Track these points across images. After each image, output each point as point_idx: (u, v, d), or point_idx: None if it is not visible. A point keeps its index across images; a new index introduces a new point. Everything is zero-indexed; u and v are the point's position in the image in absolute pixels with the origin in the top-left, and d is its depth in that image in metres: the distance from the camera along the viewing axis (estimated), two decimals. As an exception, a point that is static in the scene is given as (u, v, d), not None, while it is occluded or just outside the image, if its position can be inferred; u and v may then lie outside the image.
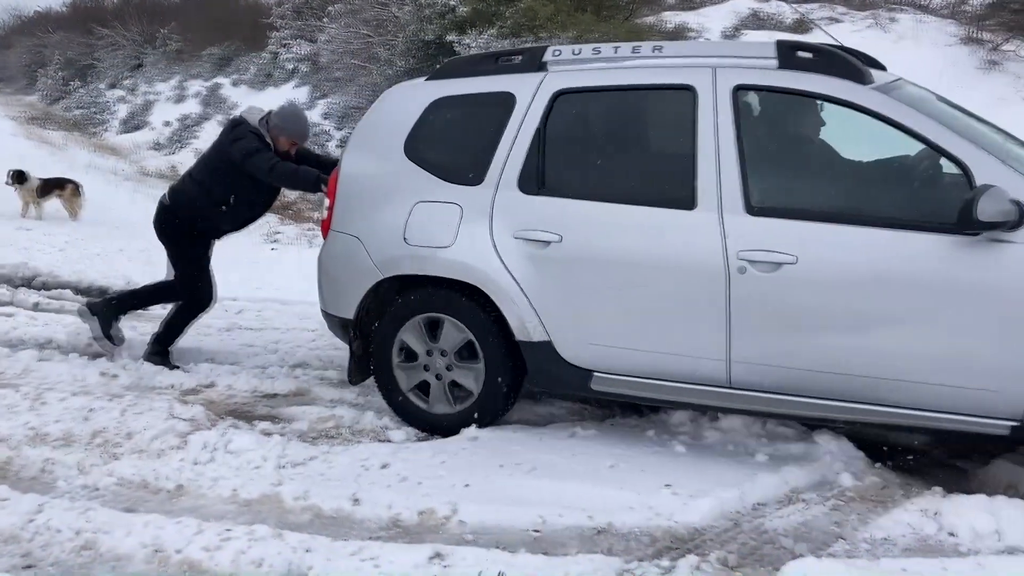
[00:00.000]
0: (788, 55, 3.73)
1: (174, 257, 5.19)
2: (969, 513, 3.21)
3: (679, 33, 13.09)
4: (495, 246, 3.96)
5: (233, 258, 5.40)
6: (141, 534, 3.17)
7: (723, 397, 3.74)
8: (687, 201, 3.70)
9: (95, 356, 5.36)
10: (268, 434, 4.11)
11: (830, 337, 3.52)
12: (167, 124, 20.43)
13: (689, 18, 13.82)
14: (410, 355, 4.21)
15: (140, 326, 6.05)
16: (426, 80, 4.39)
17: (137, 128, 21.37)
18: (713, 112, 3.71)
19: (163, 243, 5.23)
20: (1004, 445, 3.81)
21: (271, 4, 21.06)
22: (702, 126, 3.72)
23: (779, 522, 3.28)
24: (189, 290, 5.18)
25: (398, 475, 3.66)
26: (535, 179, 3.96)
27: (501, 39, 12.01)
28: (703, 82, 3.76)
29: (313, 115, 15.06)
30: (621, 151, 4.10)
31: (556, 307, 3.89)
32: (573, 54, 4.08)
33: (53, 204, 11.06)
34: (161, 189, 13.42)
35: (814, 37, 11.18)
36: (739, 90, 3.72)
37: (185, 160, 16.50)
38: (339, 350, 5.54)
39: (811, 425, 3.98)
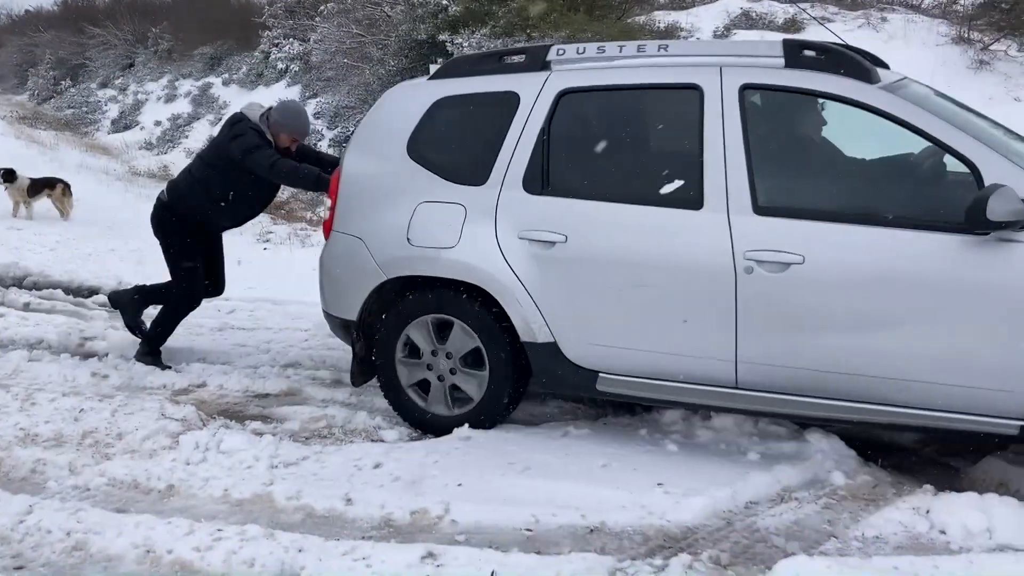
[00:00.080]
0: (795, 54, 3.71)
1: (167, 254, 5.17)
2: (960, 511, 3.22)
3: (670, 33, 13.11)
4: (499, 246, 3.93)
5: (225, 257, 5.37)
6: (132, 534, 3.16)
7: (730, 398, 3.72)
8: (694, 201, 3.69)
9: (86, 356, 5.34)
10: (260, 434, 4.10)
11: (838, 337, 3.51)
12: (158, 124, 20.38)
13: (680, 17, 13.84)
14: (414, 351, 4.18)
15: (131, 326, 6.03)
16: (428, 79, 4.36)
17: (128, 128, 21.31)
18: (720, 111, 3.69)
19: (158, 239, 5.20)
20: (996, 443, 3.83)
21: (263, 3, 21.02)
22: (709, 125, 3.71)
23: (771, 521, 3.28)
24: (180, 288, 5.17)
25: (391, 475, 3.66)
26: (540, 179, 3.94)
27: (494, 38, 12.01)
28: (710, 81, 3.74)
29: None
30: (627, 151, 4.08)
31: (561, 308, 3.87)
32: (577, 53, 4.06)
33: (43, 204, 11.01)
34: (152, 189, 13.38)
35: (809, 36, 11.19)
36: (746, 89, 3.70)
37: (176, 160, 16.47)
38: (332, 350, 5.54)
39: (803, 424, 3.99)
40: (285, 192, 9.83)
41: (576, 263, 3.84)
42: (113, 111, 22.98)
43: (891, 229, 3.46)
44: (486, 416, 4.08)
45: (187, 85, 22.19)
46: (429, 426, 4.21)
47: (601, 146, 4.04)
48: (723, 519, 3.29)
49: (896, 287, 3.43)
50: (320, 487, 3.55)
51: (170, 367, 5.13)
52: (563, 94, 3.96)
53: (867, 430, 4.01)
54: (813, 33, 12.05)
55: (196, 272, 5.17)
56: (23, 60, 31.43)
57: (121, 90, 24.40)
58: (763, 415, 3.86)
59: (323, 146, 14.16)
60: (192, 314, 5.31)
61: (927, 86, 4.12)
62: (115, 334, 5.83)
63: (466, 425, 4.09)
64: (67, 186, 10.99)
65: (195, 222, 5.11)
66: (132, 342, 5.36)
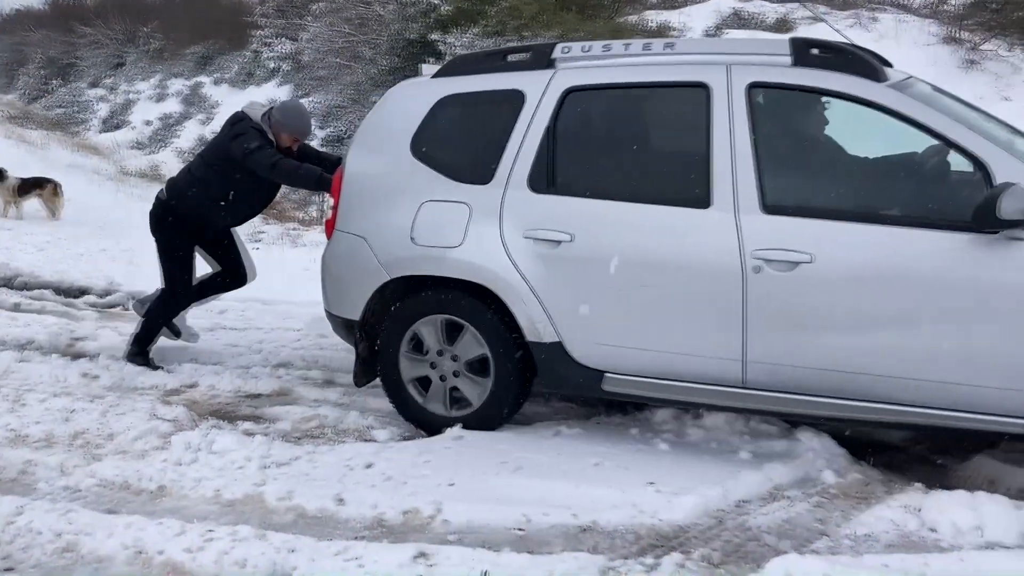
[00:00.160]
0: (802, 52, 3.71)
1: (162, 252, 5.15)
2: (950, 509, 3.23)
3: (662, 32, 13.11)
4: (505, 246, 3.92)
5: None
6: (123, 535, 3.15)
7: (738, 397, 3.71)
8: (701, 200, 3.68)
9: (76, 357, 5.32)
10: (251, 434, 4.09)
11: (847, 336, 3.50)
12: (148, 123, 20.29)
13: (672, 17, 13.83)
14: (419, 347, 4.16)
15: (121, 326, 6.01)
16: (432, 77, 4.33)
17: (118, 127, 21.21)
18: (728, 110, 3.69)
19: (155, 238, 5.18)
20: (985, 441, 3.85)
21: (253, 3, 20.95)
22: (717, 124, 3.70)
23: (762, 519, 3.29)
24: (172, 284, 5.15)
25: (383, 474, 3.65)
26: (545, 178, 3.92)
27: (485, 38, 12.00)
28: (717, 80, 3.73)
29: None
30: (634, 149, 4.06)
31: (567, 307, 3.86)
32: (583, 51, 4.04)
33: (33, 204, 10.97)
34: (142, 189, 13.34)
35: (801, 35, 11.20)
36: (754, 88, 3.70)
37: (167, 159, 16.41)
38: (323, 350, 5.54)
39: (794, 422, 4.00)
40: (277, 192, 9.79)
41: (582, 262, 3.82)
42: (103, 110, 22.87)
43: (900, 228, 3.46)
44: (482, 422, 4.07)
45: (177, 84, 22.10)
46: (423, 423, 4.20)
47: (607, 145, 4.03)
48: (714, 518, 3.30)
49: (905, 286, 3.42)
50: (312, 487, 3.55)
51: (161, 367, 5.12)
52: (569, 92, 3.94)
53: (858, 428, 4.03)
54: (807, 33, 12.08)
55: (187, 273, 5.16)
56: (12, 59, 31.25)
57: (111, 89, 24.28)
58: (770, 415, 3.85)
59: (314, 145, 14.11)
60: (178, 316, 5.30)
61: (932, 84, 4.13)
62: (105, 334, 5.82)
63: (458, 425, 4.08)
64: (57, 186, 10.95)
65: (194, 222, 5.09)
66: (123, 342, 5.35)
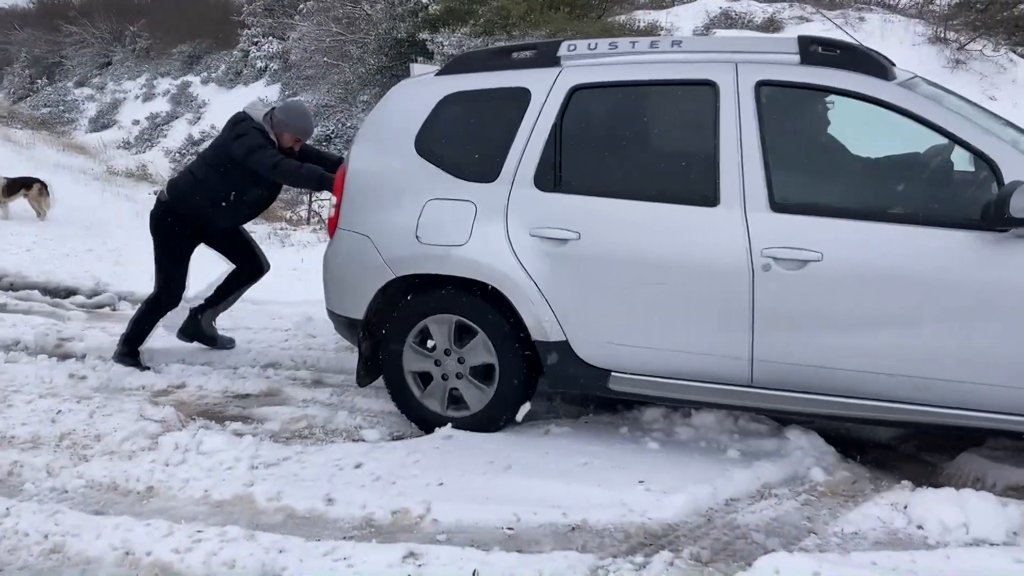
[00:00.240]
0: (810, 51, 3.70)
1: (159, 253, 5.13)
2: (937, 506, 3.25)
3: (651, 32, 13.13)
4: (511, 244, 3.89)
5: (204, 257, 5.34)
6: (111, 536, 3.14)
7: (745, 396, 3.70)
8: (709, 198, 3.67)
9: (63, 357, 5.30)
10: (240, 435, 4.08)
11: (856, 335, 3.49)
12: (136, 123, 20.23)
13: (660, 17, 13.88)
14: (425, 342, 4.12)
15: (109, 327, 5.99)
16: (436, 75, 4.31)
17: (105, 127, 21.14)
18: (736, 108, 3.68)
19: (153, 238, 5.16)
20: (971, 439, 3.88)
21: (242, 2, 20.89)
22: (724, 122, 3.69)
23: (751, 517, 3.30)
24: (164, 285, 5.13)
25: (372, 474, 3.65)
26: (552, 176, 3.90)
27: (474, 37, 12.00)
28: (725, 78, 3.72)
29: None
30: (641, 147, 4.05)
31: (573, 306, 3.84)
32: (588, 49, 4.02)
33: (20, 204, 10.91)
34: (130, 188, 13.27)
35: (792, 34, 11.23)
36: (762, 86, 3.69)
37: (155, 159, 16.36)
38: (311, 350, 5.52)
39: (783, 421, 4.01)
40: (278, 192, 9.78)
41: (589, 260, 3.80)
42: (91, 110, 22.78)
43: (909, 226, 3.45)
44: (477, 426, 4.05)
45: (165, 84, 22.04)
46: (417, 417, 4.18)
47: (614, 143, 4.01)
48: (704, 516, 3.30)
49: (915, 284, 3.42)
50: (301, 487, 3.54)
51: (149, 368, 5.10)
52: (575, 90, 3.92)
53: (847, 427, 4.05)
54: (797, 32, 12.12)
55: (181, 276, 5.14)
56: (-2, 58, 31.08)
57: (98, 89, 24.19)
58: (777, 414, 3.84)
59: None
60: (171, 314, 5.28)
61: (935, 83, 4.14)
62: (93, 335, 5.79)
63: (448, 425, 4.09)
64: (44, 186, 10.89)
65: (195, 223, 5.07)
66: (111, 343, 5.32)
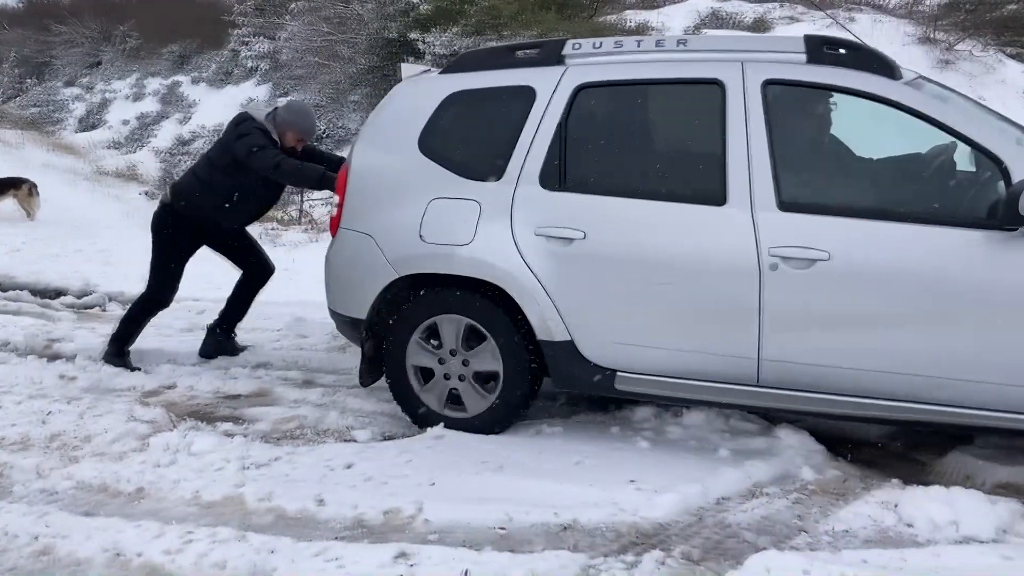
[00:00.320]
0: (817, 50, 3.70)
1: (156, 253, 5.11)
2: (927, 504, 3.26)
3: (641, 32, 13.15)
4: (516, 243, 3.87)
5: (203, 258, 5.33)
6: (100, 538, 3.13)
7: (752, 396, 3.69)
8: (717, 197, 3.66)
9: (53, 358, 5.28)
10: (231, 435, 4.07)
11: (864, 334, 3.50)
12: (125, 123, 20.13)
13: (651, 17, 13.89)
14: (432, 338, 4.09)
15: (99, 327, 5.97)
16: (440, 73, 4.30)
17: (94, 127, 21.03)
18: (743, 107, 3.67)
19: (153, 238, 5.14)
20: (960, 437, 3.90)
21: (231, 1, 20.82)
22: (732, 121, 3.68)
23: (742, 516, 3.31)
24: (158, 286, 5.11)
25: (363, 475, 3.64)
26: (557, 174, 3.89)
27: (464, 37, 11.99)
28: (732, 76, 3.71)
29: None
30: (647, 146, 4.05)
31: (579, 305, 3.82)
32: (594, 47, 4.01)
33: (8, 204, 10.86)
34: (119, 189, 13.21)
35: (782, 34, 11.27)
36: (769, 85, 3.68)
37: (144, 159, 16.29)
38: (302, 350, 5.52)
39: (772, 419, 4.03)
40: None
41: (595, 260, 3.79)
42: (79, 110, 22.67)
43: (917, 225, 3.46)
44: (471, 430, 4.04)
45: (155, 83, 21.94)
46: (412, 412, 4.17)
47: (621, 141, 4.00)
48: (694, 515, 3.31)
49: (923, 283, 3.42)
50: (292, 488, 3.53)
51: (139, 368, 5.08)
52: (580, 88, 3.91)
53: (837, 426, 4.06)
54: (786, 32, 12.15)
55: (176, 276, 5.13)
56: (-14, 58, 30.91)
57: (87, 89, 24.07)
58: (785, 413, 3.84)
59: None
60: (161, 315, 5.26)
61: (939, 83, 4.15)
62: (82, 335, 5.78)
63: (441, 424, 4.08)
64: (33, 186, 10.84)
65: (198, 225, 5.06)
66: (100, 344, 5.31)
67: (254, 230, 9.90)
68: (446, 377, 4.10)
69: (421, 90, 4.28)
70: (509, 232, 3.89)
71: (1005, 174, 3.38)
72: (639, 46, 4.00)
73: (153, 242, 5.13)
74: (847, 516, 3.29)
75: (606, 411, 4.34)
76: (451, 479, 3.56)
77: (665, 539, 3.14)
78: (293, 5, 17.13)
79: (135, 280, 7.41)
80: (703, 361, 3.71)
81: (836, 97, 3.82)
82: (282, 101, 16.50)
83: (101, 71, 24.84)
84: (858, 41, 4.07)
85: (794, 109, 3.88)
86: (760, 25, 13.09)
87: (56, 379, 4.90)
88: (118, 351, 5.13)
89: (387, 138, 4.22)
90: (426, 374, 4.15)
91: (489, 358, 4.01)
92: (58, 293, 7.19)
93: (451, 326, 4.03)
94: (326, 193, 10.38)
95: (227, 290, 5.54)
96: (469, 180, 4.00)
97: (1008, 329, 3.36)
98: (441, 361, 4.09)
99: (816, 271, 3.51)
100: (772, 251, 3.56)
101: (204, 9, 23.61)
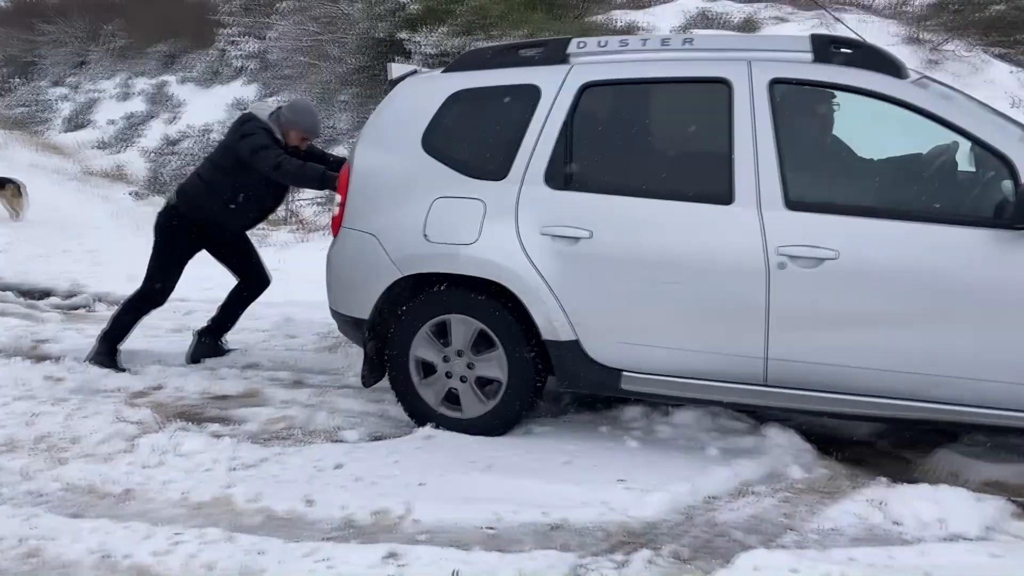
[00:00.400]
0: (823, 49, 3.71)
1: (155, 253, 5.09)
2: (913, 502, 3.29)
3: (629, 32, 13.16)
4: (521, 242, 3.86)
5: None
6: (88, 540, 3.12)
7: (759, 395, 3.69)
8: (724, 196, 3.66)
9: (39, 359, 5.25)
10: (219, 436, 4.06)
11: (872, 333, 3.50)
12: (112, 123, 20.03)
13: (639, 17, 13.90)
14: (441, 335, 4.06)
15: (86, 328, 5.94)
16: (443, 72, 4.28)
17: (81, 127, 20.92)
18: (750, 105, 3.67)
19: (155, 238, 5.11)
20: (947, 435, 3.92)
21: (219, 1, 20.76)
22: (738, 120, 3.68)
23: (731, 515, 3.32)
24: (153, 285, 5.09)
25: (352, 475, 3.64)
26: (563, 173, 3.88)
27: (453, 37, 11.98)
28: (738, 75, 3.71)
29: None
30: (653, 145, 4.04)
31: (585, 305, 3.81)
32: (599, 46, 4.00)
33: (-6, 205, 10.79)
34: (106, 189, 13.14)
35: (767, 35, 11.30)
36: (776, 83, 3.68)
37: (131, 159, 16.20)
38: (291, 351, 5.50)
39: (761, 418, 4.04)
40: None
41: (601, 259, 3.78)
42: (66, 109, 22.55)
43: (925, 224, 3.47)
44: (463, 431, 4.03)
45: (142, 83, 21.83)
46: (408, 404, 4.15)
47: (627, 140, 4.00)
48: (683, 514, 3.32)
49: (931, 282, 3.44)
50: (281, 489, 3.53)
51: (126, 369, 5.06)
52: (586, 87, 3.90)
53: (825, 424, 4.08)
54: (774, 32, 12.18)
55: (173, 276, 5.11)
56: (-29, 57, 30.71)
57: (74, 88, 23.94)
58: (791, 412, 3.84)
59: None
60: (149, 315, 5.24)
61: (943, 83, 4.16)
62: (70, 336, 5.75)
63: (428, 424, 4.08)
64: (20, 186, 10.77)
65: (202, 227, 5.04)
66: (87, 345, 5.28)
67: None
68: (448, 375, 4.08)
69: (424, 89, 4.27)
70: (514, 231, 3.88)
71: (1013, 173, 3.39)
72: (644, 45, 4.00)
73: (155, 241, 5.11)
74: (835, 514, 3.30)
75: (595, 410, 4.35)
76: (440, 479, 3.56)
77: (654, 538, 3.15)
78: (281, 4, 17.07)
79: (123, 281, 7.37)
80: (710, 361, 3.71)
81: (843, 96, 3.81)
82: (271, 100, 16.47)
83: (88, 71, 24.71)
84: (864, 40, 4.08)
85: (801, 108, 3.88)
86: (748, 25, 13.12)
87: (43, 380, 4.87)
88: (109, 350, 5.11)
89: (390, 137, 4.21)
90: (427, 369, 4.12)
91: (495, 367, 3.99)
92: (45, 294, 7.14)
93: (463, 327, 4.01)
94: (314, 193, 10.36)
95: (216, 291, 5.52)
96: (473, 179, 3.99)
97: (1017, 327, 3.37)
98: (446, 359, 4.07)
99: (824, 270, 3.52)
100: (780, 250, 3.56)
101: (191, 9, 23.51)
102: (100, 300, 7.03)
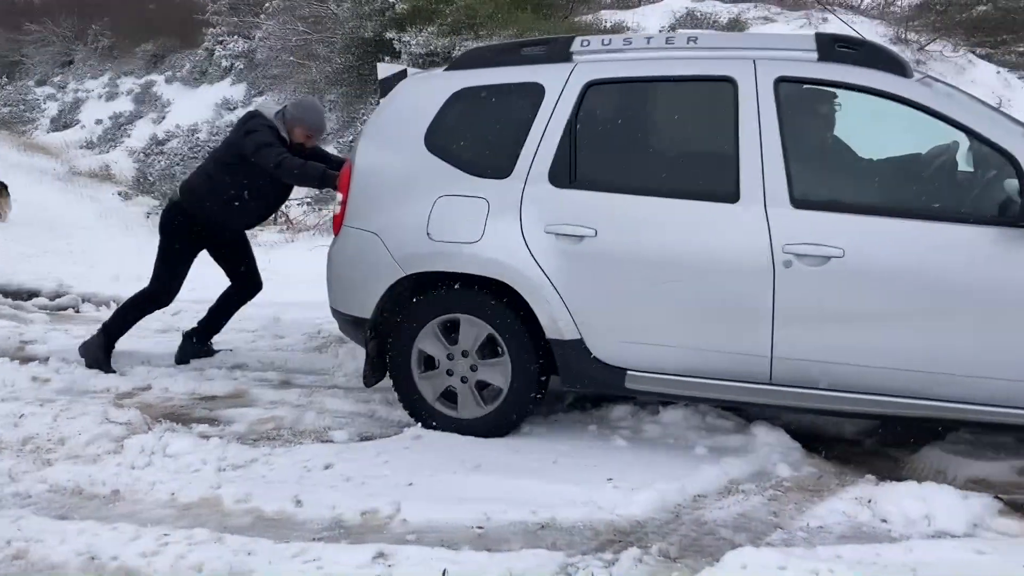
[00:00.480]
0: (828, 48, 3.71)
1: (161, 252, 5.08)
2: (900, 500, 3.30)
3: (617, 32, 13.19)
4: (525, 241, 3.84)
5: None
6: (75, 542, 3.10)
7: (764, 394, 3.69)
8: (730, 194, 3.66)
9: (25, 360, 5.22)
10: (207, 437, 4.05)
11: (878, 331, 3.51)
12: (98, 122, 19.94)
13: (627, 17, 13.94)
14: (448, 333, 4.04)
15: (72, 329, 5.91)
16: (445, 70, 4.27)
17: (67, 126, 20.82)
18: (755, 104, 3.66)
19: (161, 236, 5.10)
20: (933, 433, 3.94)
21: (206, 0, 20.68)
22: (744, 118, 3.67)
23: (719, 513, 3.33)
24: (160, 284, 5.08)
25: (341, 475, 3.64)
26: (567, 172, 3.86)
27: (441, 37, 11.99)
28: (744, 74, 3.71)
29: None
30: (658, 143, 4.04)
31: (589, 303, 3.80)
32: (602, 44, 4.00)
33: (-20, 205, 10.73)
34: (93, 189, 13.09)
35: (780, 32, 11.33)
36: (781, 82, 3.68)
37: (118, 159, 16.14)
38: (279, 351, 5.49)
39: (749, 417, 4.06)
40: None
41: (606, 257, 3.77)
42: (52, 109, 22.43)
43: (930, 222, 3.48)
44: (455, 430, 4.02)
45: (128, 83, 21.74)
46: (405, 396, 4.12)
47: (631, 139, 3.99)
48: (672, 512, 3.33)
49: (936, 280, 3.45)
50: (269, 489, 3.52)
51: (114, 371, 5.04)
52: (590, 85, 3.89)
53: (812, 423, 4.10)
54: (762, 31, 12.22)
55: (181, 274, 5.10)
56: (-44, 57, 30.50)
57: (60, 88, 23.82)
58: (797, 411, 3.84)
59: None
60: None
61: (945, 81, 4.18)
62: (56, 337, 5.72)
63: (418, 424, 4.07)
64: (4, 187, 10.71)
65: (206, 224, 5.03)
66: (74, 345, 5.25)
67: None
68: (449, 373, 4.06)
69: (426, 87, 4.27)
70: (518, 229, 3.87)
71: (1019, 170, 3.41)
72: (648, 43, 4.00)
73: (160, 240, 5.10)
74: (822, 512, 3.32)
75: (584, 410, 4.36)
76: (429, 479, 3.56)
77: (642, 536, 3.15)
78: (268, 4, 17.03)
79: (110, 281, 7.37)
80: (714, 359, 3.71)
81: (849, 94, 3.81)
82: (264, 98, 16.42)
83: (74, 70, 24.59)
84: (866, 39, 4.09)
85: (806, 106, 3.89)
86: (735, 25, 13.16)
87: (29, 381, 4.85)
88: (106, 344, 5.08)
89: (392, 135, 4.19)
90: (428, 363, 4.10)
91: (498, 374, 3.98)
92: (31, 294, 7.12)
93: (473, 329, 3.98)
94: (302, 192, 10.33)
95: (205, 292, 5.51)
96: (477, 177, 3.97)
97: (1021, 324, 3.39)
98: (450, 356, 4.05)
99: (830, 268, 3.52)
100: (786, 248, 3.56)
101: (178, 8, 23.42)
102: (87, 301, 7.00)
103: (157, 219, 5.17)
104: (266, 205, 5.15)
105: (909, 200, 3.67)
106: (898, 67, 3.68)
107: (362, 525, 3.28)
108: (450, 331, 4.03)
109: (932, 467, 3.76)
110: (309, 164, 4.75)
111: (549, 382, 4.06)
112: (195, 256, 5.13)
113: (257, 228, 10.61)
